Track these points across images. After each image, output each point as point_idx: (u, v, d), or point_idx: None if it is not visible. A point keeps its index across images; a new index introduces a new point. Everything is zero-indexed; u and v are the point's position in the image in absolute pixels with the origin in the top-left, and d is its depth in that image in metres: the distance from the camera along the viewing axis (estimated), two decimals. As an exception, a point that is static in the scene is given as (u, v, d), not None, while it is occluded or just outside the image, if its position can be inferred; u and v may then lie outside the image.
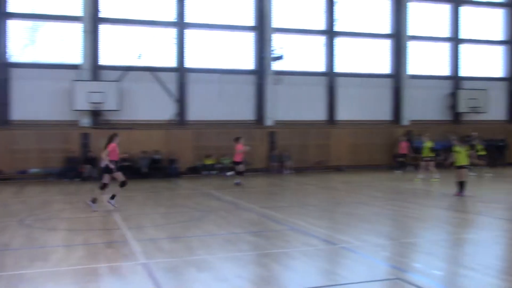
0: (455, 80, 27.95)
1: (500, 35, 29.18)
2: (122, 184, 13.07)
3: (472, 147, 18.20)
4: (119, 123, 22.12)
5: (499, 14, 29.17)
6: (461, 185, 14.84)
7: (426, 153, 19.96)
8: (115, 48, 22.96)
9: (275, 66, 24.51)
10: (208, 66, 24.17)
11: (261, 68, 24.60)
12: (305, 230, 10.03)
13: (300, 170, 24.18)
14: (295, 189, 18.40)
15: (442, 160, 22.60)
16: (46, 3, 22.29)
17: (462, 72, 28.16)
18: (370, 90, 26.32)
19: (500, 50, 29.29)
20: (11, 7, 21.89)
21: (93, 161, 21.53)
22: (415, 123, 26.68)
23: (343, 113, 25.98)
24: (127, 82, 22.73)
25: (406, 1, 26.67)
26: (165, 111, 23.46)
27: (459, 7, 28.02)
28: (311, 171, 24.49)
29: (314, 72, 25.71)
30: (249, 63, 24.89)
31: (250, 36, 24.89)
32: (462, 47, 28.18)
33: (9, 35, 21.83)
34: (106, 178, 12.95)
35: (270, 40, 24.50)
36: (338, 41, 25.99)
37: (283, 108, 24.69)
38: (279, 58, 24.21)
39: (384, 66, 27.03)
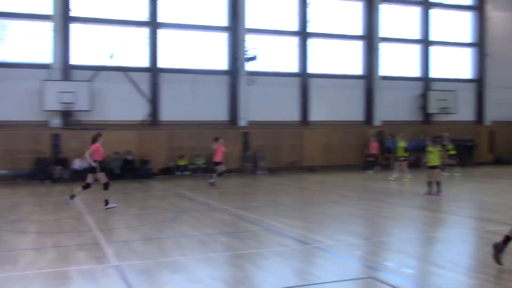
0: (426, 81, 28.43)
1: (468, 38, 29.82)
2: (105, 187, 12.91)
3: (443, 147, 18.50)
4: (90, 124, 21.82)
5: (467, 17, 29.80)
6: (435, 184, 15.02)
7: (400, 152, 20.21)
8: (87, 48, 22.65)
9: (249, 66, 24.54)
10: (181, 66, 24.03)
11: (234, 68, 24.58)
12: (279, 230, 10.06)
13: (273, 170, 24.25)
14: (268, 190, 18.43)
15: (414, 160, 23.01)
16: (15, 1, 21.85)
17: (432, 74, 28.67)
18: (343, 91, 26.57)
19: (468, 52, 29.91)
20: (-22, 5, 21.43)
21: (64, 162, 21.21)
22: (386, 123, 27.04)
23: (316, 114, 26.16)
24: (99, 82, 22.44)
25: (378, 4, 27.03)
26: (138, 111, 23.24)
27: (429, 10, 28.51)
28: (285, 171, 24.59)
29: (287, 73, 25.82)
30: (223, 64, 24.85)
31: (224, 37, 24.85)
32: (432, 49, 28.68)
33: (-24, 34, 21.36)
34: (89, 178, 12.87)
35: (243, 40, 24.51)
36: (311, 42, 26.16)
37: (257, 108, 24.71)
38: (252, 58, 24.24)
39: (357, 67, 27.32)
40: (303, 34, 25.96)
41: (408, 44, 28.37)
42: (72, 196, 13.16)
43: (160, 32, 23.72)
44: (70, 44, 22.32)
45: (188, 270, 7.30)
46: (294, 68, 25.99)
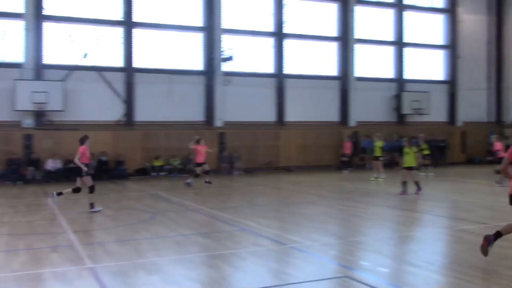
0: (399, 82, 28.81)
1: (440, 40, 30.33)
2: (91, 190, 12.72)
3: (418, 147, 18.73)
4: (63, 124, 21.53)
5: (440, 19, 30.32)
6: (414, 184, 15.29)
7: (378, 152, 20.33)
8: (60, 47, 22.31)
9: (225, 67, 24.52)
10: (157, 66, 23.87)
11: (210, 69, 24.52)
12: (255, 230, 10.07)
13: (249, 171, 24.27)
14: (244, 190, 18.43)
15: (388, 160, 23.26)
16: (-14, -2, 21.44)
17: (406, 75, 29.07)
18: (318, 91, 26.74)
19: (441, 54, 30.43)
20: None
21: (36, 163, 20.86)
22: (361, 124, 27.31)
23: (292, 114, 26.26)
24: (72, 82, 22.13)
25: (353, 5, 27.27)
26: (113, 111, 22.99)
27: (403, 12, 28.91)
28: (261, 172, 24.62)
29: (263, 74, 25.87)
30: (198, 64, 24.76)
31: (199, 37, 24.77)
32: (406, 51, 29.08)
33: None
34: (78, 182, 12.69)
35: (219, 41, 24.47)
36: (286, 43, 26.26)
37: (233, 109, 24.69)
38: (228, 59, 24.24)
39: (332, 68, 27.52)
40: (279, 35, 26.05)
41: (383, 46, 28.71)
42: (59, 193, 13.02)
43: (135, 32, 23.51)
44: (42, 43, 21.95)
45: (164, 271, 7.25)
46: (270, 68, 26.05)
